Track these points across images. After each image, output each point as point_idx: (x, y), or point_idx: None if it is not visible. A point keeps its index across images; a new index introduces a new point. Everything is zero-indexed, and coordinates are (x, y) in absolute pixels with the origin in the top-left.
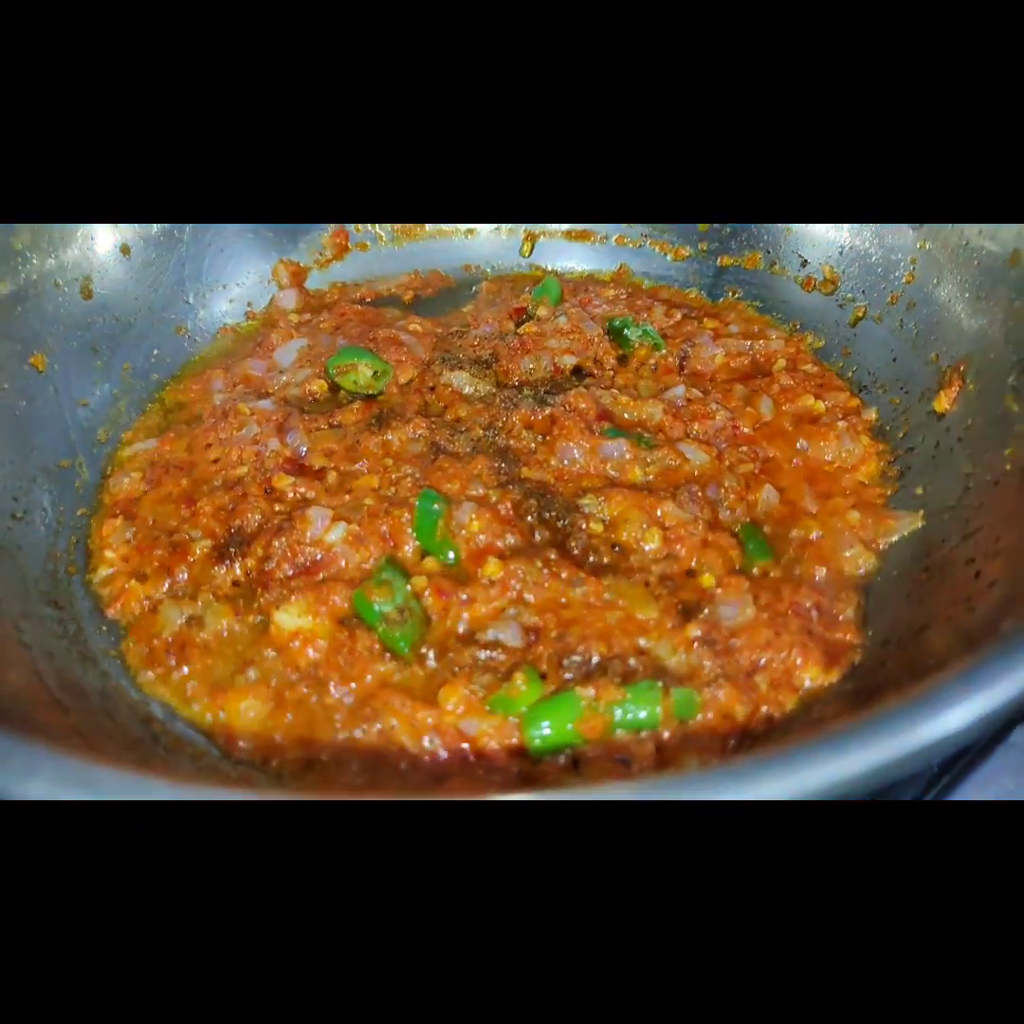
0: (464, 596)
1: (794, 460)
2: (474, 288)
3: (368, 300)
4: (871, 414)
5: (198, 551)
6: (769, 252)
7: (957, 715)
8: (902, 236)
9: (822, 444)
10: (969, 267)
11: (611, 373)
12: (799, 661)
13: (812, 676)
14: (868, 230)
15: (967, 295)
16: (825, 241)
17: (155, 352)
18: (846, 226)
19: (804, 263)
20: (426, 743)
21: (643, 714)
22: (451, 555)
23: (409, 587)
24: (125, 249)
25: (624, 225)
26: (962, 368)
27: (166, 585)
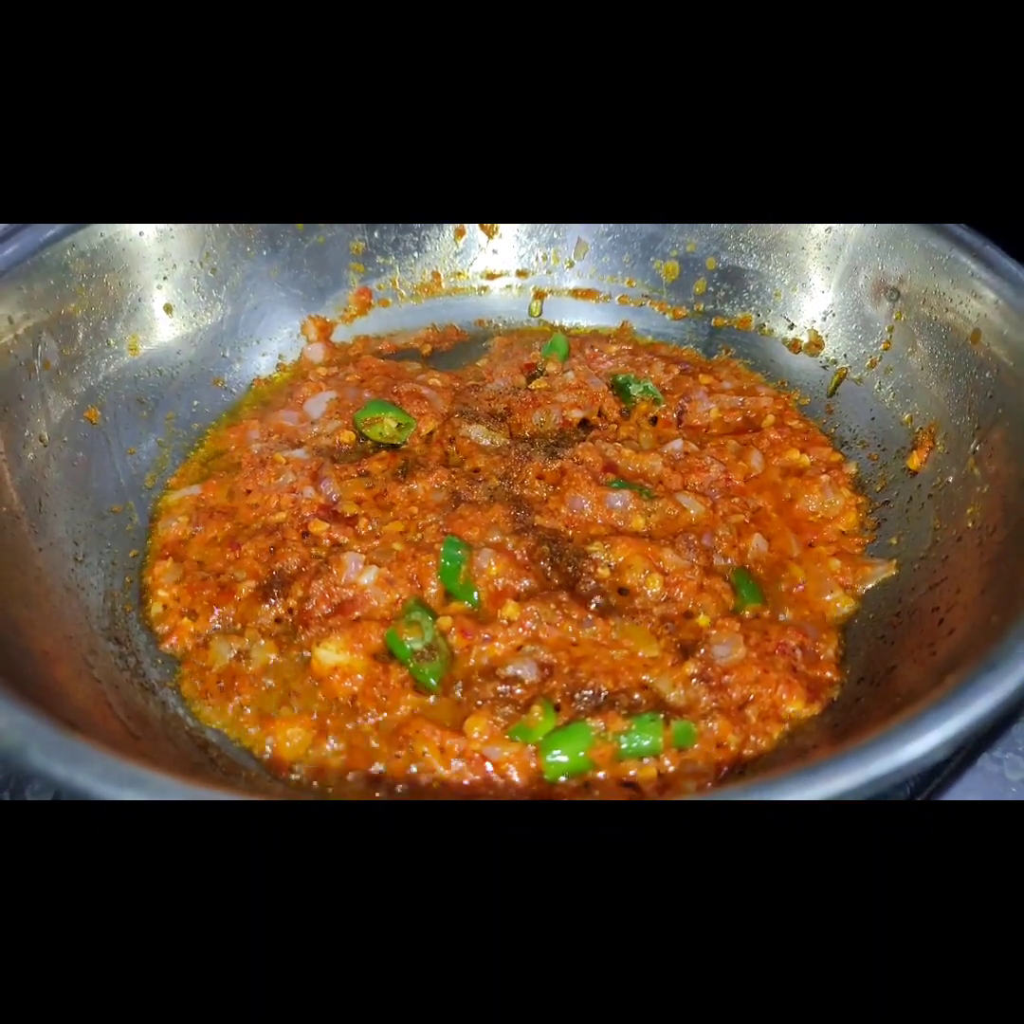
0: (486, 635)
1: (781, 510)
2: (486, 343)
3: (389, 353)
4: (851, 468)
5: (243, 591)
6: (759, 315)
7: (931, 737)
8: (881, 307)
9: (807, 496)
10: (938, 339)
11: (615, 425)
12: (784, 696)
13: (796, 709)
14: (850, 299)
15: (936, 365)
16: (810, 306)
17: (195, 403)
18: (829, 295)
19: (791, 325)
20: (454, 767)
21: (646, 743)
22: (473, 597)
23: (435, 626)
24: (168, 308)
25: (626, 285)
26: (932, 431)
27: (215, 622)
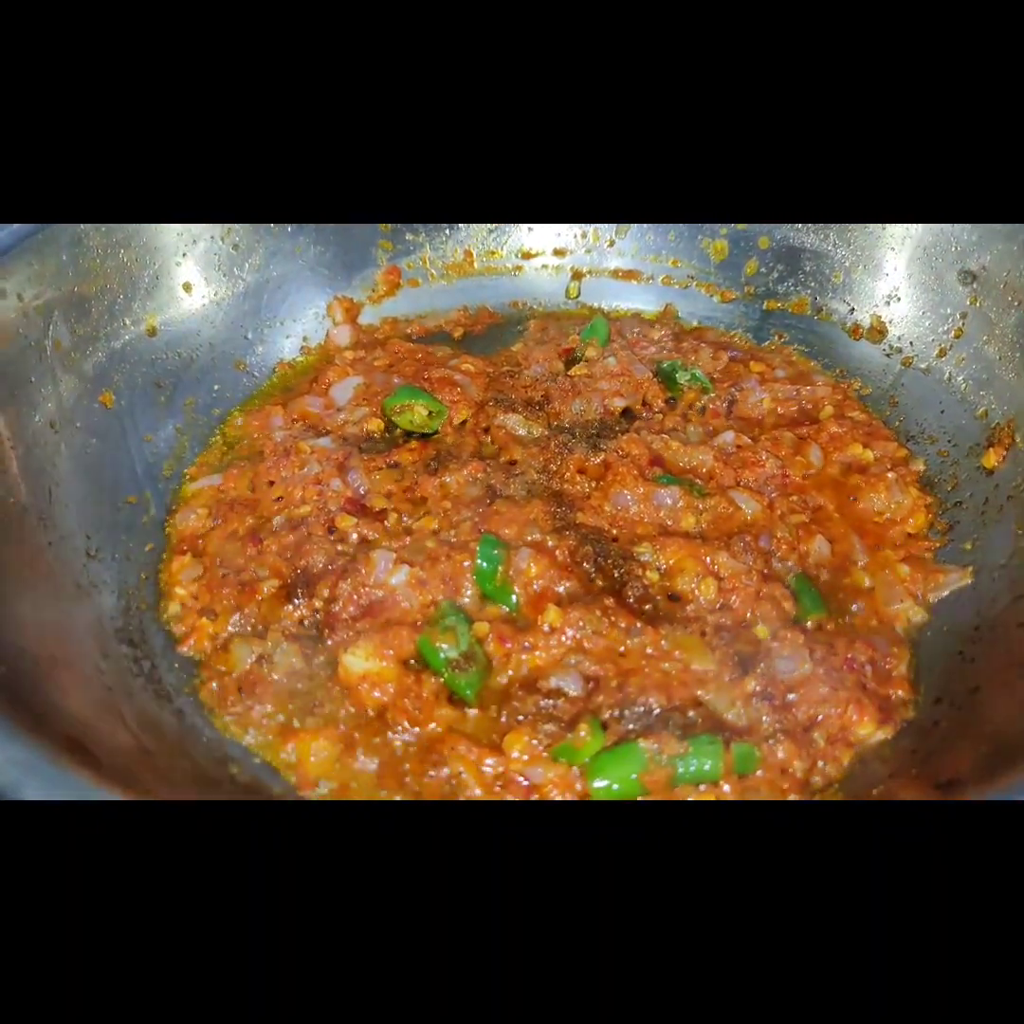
0: (526, 643)
1: (842, 510)
2: (521, 326)
3: (419, 336)
4: (919, 465)
5: (266, 590)
6: (816, 298)
7: None
8: (952, 291)
9: (872, 495)
10: (1021, 328)
11: (660, 415)
12: (855, 717)
13: (867, 732)
14: (917, 282)
15: (1017, 355)
16: (873, 289)
17: (216, 387)
18: (895, 277)
19: (851, 310)
20: (494, 790)
21: (706, 767)
22: (511, 600)
23: (472, 633)
24: (187, 287)
25: (670, 265)
26: (1012, 427)
27: (236, 623)
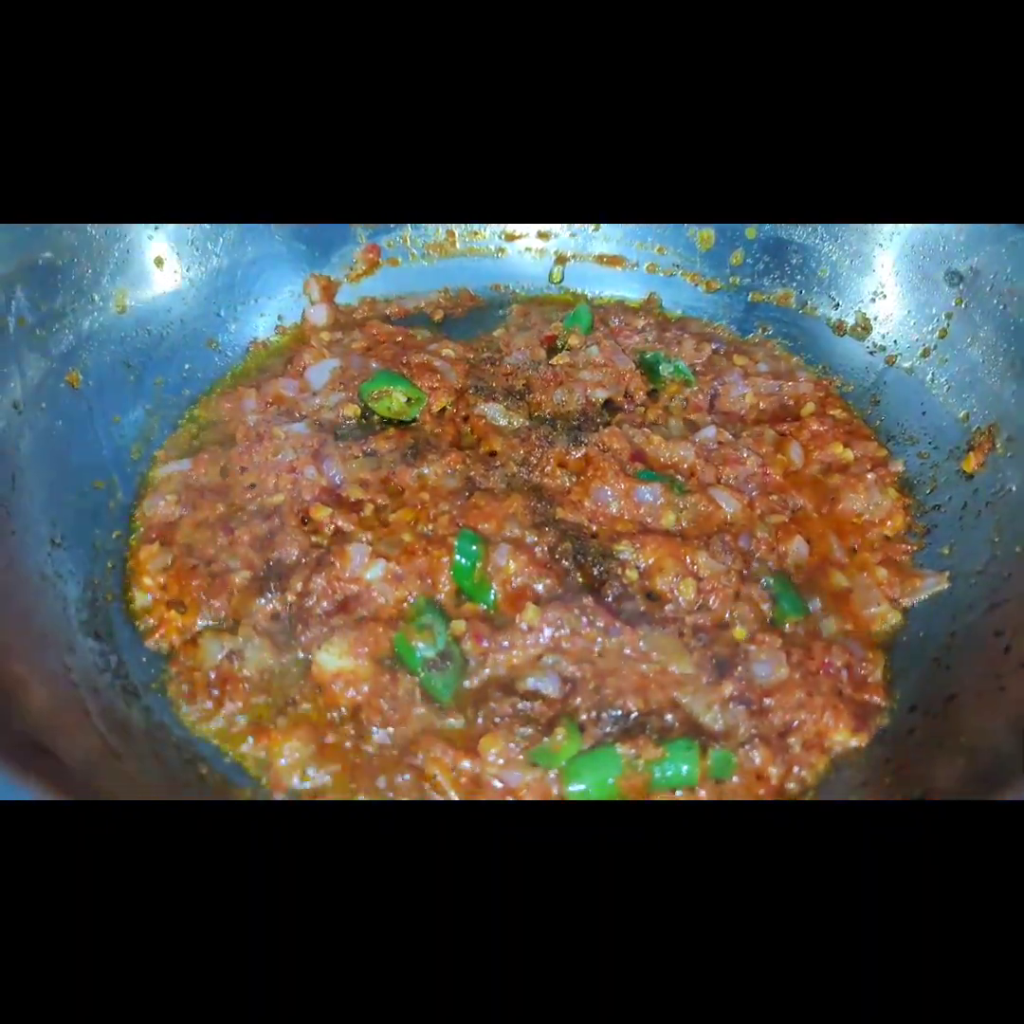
0: (504, 643)
1: (821, 510)
2: (502, 310)
3: (398, 317)
4: (898, 466)
5: (237, 582)
6: (801, 292)
7: None
8: (938, 291)
9: (851, 495)
10: (1006, 333)
11: (642, 408)
12: (830, 723)
13: (842, 739)
14: (903, 281)
15: (1000, 360)
16: (859, 286)
17: (187, 367)
18: (881, 274)
19: (836, 306)
20: (469, 794)
21: (682, 772)
22: (489, 597)
23: (449, 631)
24: (159, 261)
25: (655, 252)
26: (992, 432)
27: (206, 616)
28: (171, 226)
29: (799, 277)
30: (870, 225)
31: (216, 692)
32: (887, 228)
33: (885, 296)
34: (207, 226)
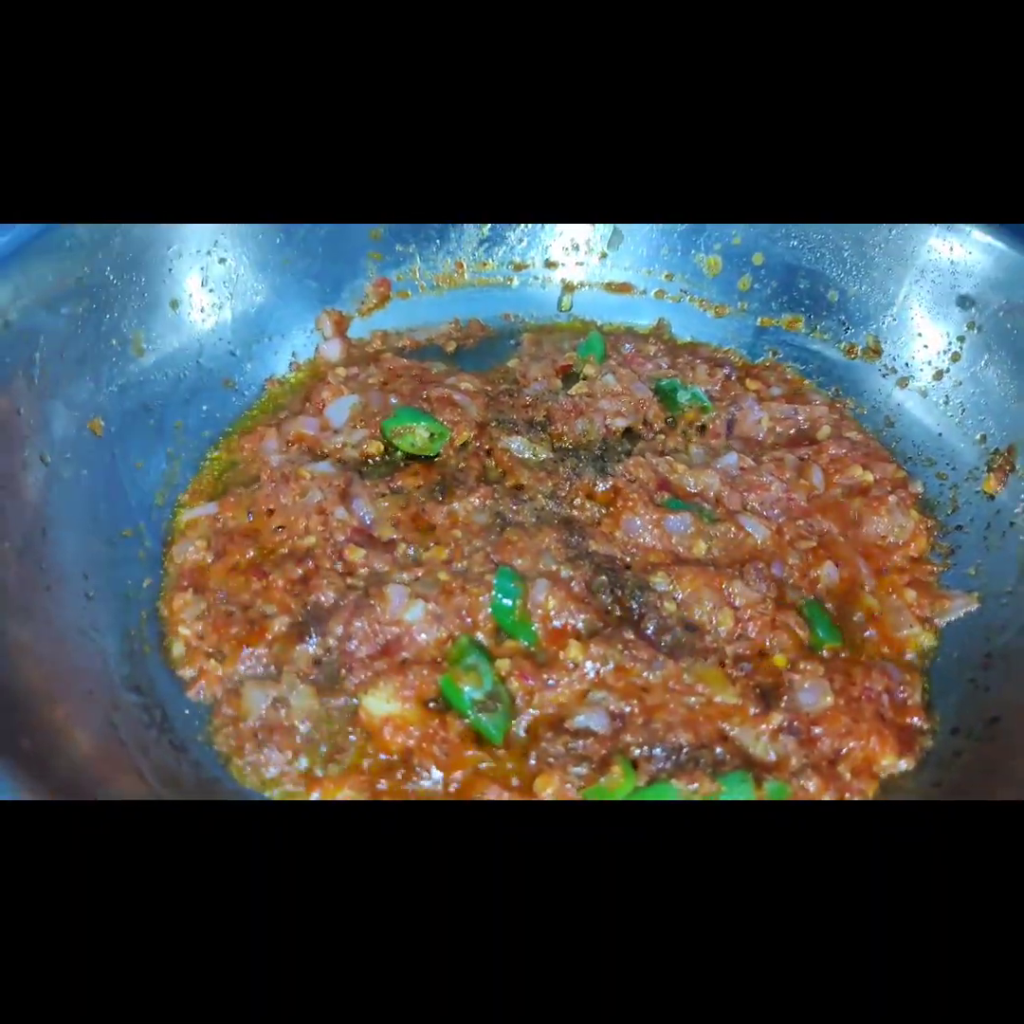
0: (550, 681)
1: (847, 534)
2: (513, 339)
3: (410, 349)
4: (918, 487)
5: (276, 628)
6: (810, 316)
7: None
8: (950, 314)
9: (874, 518)
10: (1020, 355)
11: (662, 435)
12: (876, 748)
13: (890, 762)
14: (915, 302)
15: (1016, 382)
16: (868, 309)
17: (205, 408)
18: (890, 297)
19: (846, 329)
20: None
21: None
22: (531, 635)
23: (495, 671)
24: (174, 304)
25: (663, 279)
26: (1011, 454)
27: (246, 664)
28: (185, 268)
29: (807, 301)
30: (879, 249)
31: (264, 742)
32: (897, 252)
33: (895, 319)
34: (219, 266)
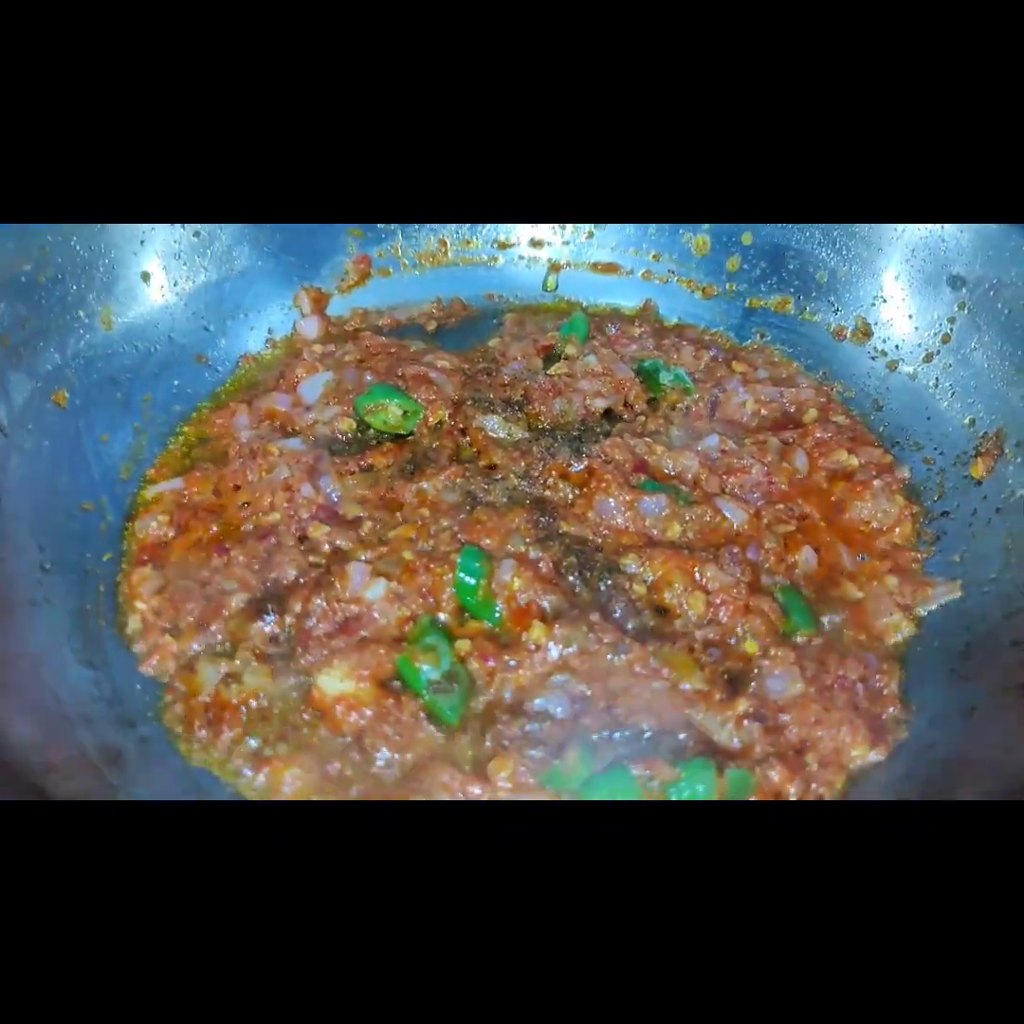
0: (511, 662)
1: (828, 519)
2: (497, 319)
3: (390, 328)
4: (904, 472)
5: (234, 604)
6: (800, 298)
7: None
8: (940, 295)
9: (858, 503)
10: (1011, 337)
11: (642, 417)
12: (847, 738)
13: (860, 753)
14: (905, 284)
15: (1006, 364)
16: (859, 290)
17: (176, 383)
18: (881, 278)
19: (836, 311)
20: None
21: (698, 793)
22: (494, 615)
23: (453, 651)
24: (145, 276)
25: (650, 259)
26: (1000, 437)
27: (201, 641)
28: (158, 239)
29: (797, 282)
30: (869, 229)
31: (213, 719)
32: (887, 233)
33: (885, 300)
34: (194, 238)
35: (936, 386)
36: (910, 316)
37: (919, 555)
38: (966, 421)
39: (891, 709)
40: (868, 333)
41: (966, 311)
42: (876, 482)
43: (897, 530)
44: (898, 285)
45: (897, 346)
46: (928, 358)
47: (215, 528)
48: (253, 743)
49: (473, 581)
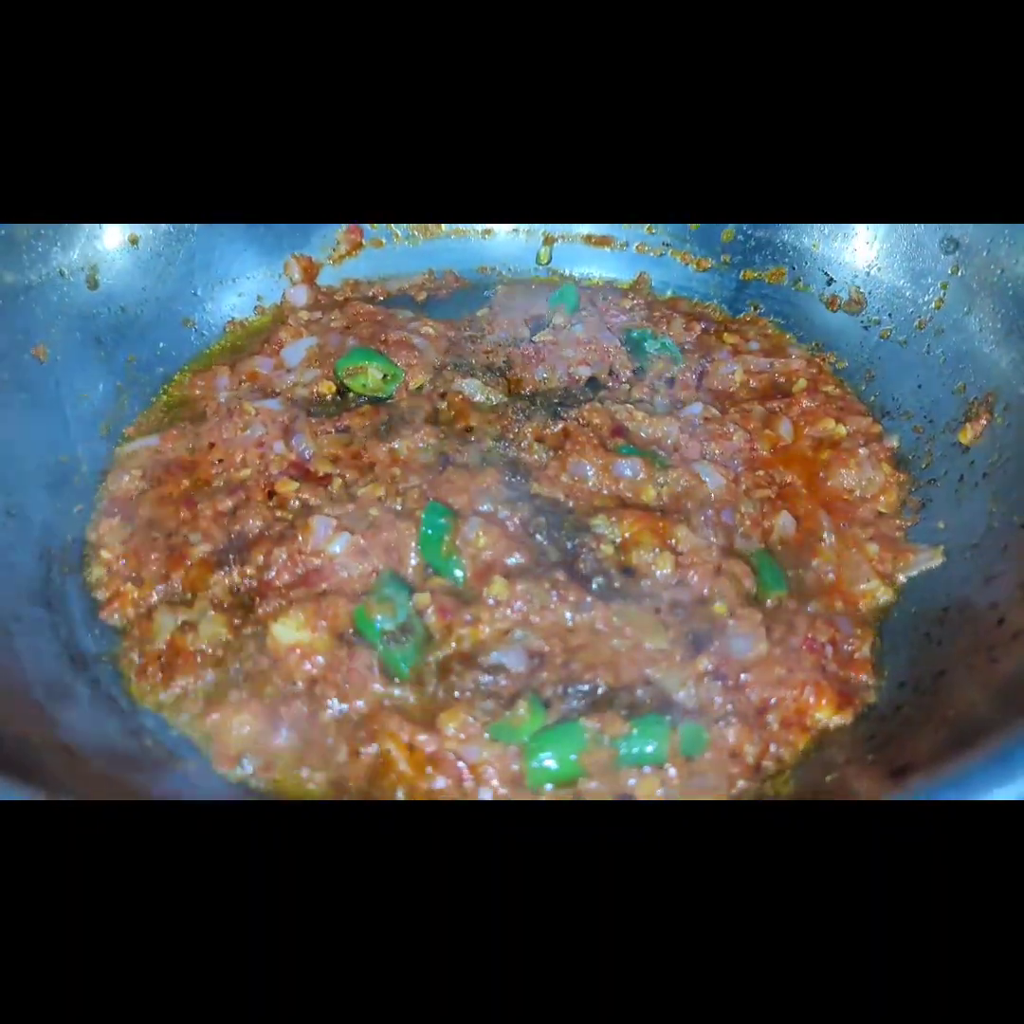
0: (468, 616)
1: (811, 486)
2: (488, 292)
3: (380, 298)
4: (892, 441)
5: (197, 555)
6: (794, 268)
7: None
8: (933, 260)
9: (842, 471)
10: (1003, 298)
11: (627, 386)
12: (812, 700)
13: (825, 715)
14: (898, 251)
15: (999, 326)
16: (852, 260)
17: (160, 345)
18: (876, 246)
19: (830, 281)
20: (425, 771)
21: (649, 749)
22: (457, 573)
23: (412, 604)
24: (134, 239)
25: (645, 232)
26: (990, 401)
27: (162, 590)
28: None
29: (791, 253)
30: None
31: (167, 664)
32: None
33: (879, 268)
34: None
35: (928, 353)
36: (904, 282)
37: (904, 523)
38: (957, 387)
39: (861, 674)
40: (861, 302)
41: (959, 274)
42: (862, 450)
43: (882, 498)
44: (892, 251)
45: (890, 314)
46: (921, 325)
47: (187, 483)
48: (204, 689)
49: (435, 535)
